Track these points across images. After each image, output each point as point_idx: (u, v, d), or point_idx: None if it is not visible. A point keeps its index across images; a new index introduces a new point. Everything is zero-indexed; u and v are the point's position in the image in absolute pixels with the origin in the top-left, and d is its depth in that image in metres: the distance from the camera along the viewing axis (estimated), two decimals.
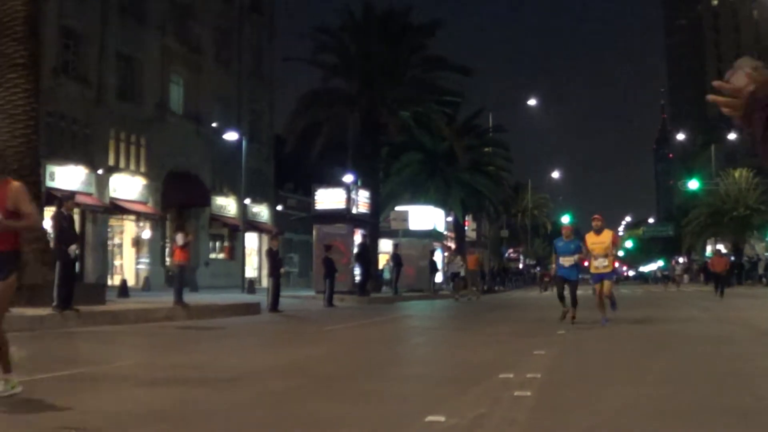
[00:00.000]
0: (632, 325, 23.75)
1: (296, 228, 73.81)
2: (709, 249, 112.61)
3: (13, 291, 9.96)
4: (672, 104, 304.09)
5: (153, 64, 59.87)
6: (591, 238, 22.29)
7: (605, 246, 21.99)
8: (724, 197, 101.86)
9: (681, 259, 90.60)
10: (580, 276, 24.37)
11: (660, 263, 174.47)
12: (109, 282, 49.07)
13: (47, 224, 25.69)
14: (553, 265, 23.71)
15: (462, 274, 48.46)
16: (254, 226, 69.38)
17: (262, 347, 18.03)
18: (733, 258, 79.91)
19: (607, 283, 22.17)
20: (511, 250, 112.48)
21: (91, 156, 53.32)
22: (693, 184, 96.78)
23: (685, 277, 78.36)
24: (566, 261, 22.39)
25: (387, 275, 53.03)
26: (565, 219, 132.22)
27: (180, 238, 27.54)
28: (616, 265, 29.54)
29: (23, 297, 22.48)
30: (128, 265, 58.65)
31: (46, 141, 40.14)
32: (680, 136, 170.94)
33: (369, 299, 41.10)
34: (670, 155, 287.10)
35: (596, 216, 22.49)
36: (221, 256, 70.61)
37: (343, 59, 56.92)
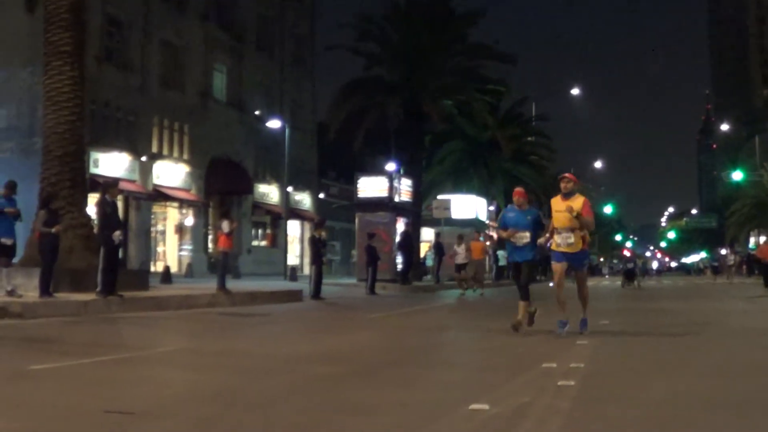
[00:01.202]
0: (678, 316, 23.63)
1: (338, 216, 73.95)
2: (752, 241, 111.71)
3: None
4: (716, 95, 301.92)
5: (196, 51, 60.06)
6: (557, 204, 16.15)
7: (572, 215, 15.70)
8: None
9: (724, 251, 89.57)
10: (537, 256, 18.23)
11: (703, 254, 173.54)
12: (153, 268, 49.34)
13: (91, 211, 25.88)
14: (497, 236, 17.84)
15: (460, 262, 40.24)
16: (296, 213, 69.50)
17: (304, 334, 18.07)
18: None
19: (579, 276, 16.47)
20: None
21: (135, 143, 53.58)
22: (737, 175, 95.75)
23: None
24: (521, 239, 16.33)
25: (429, 263, 52.95)
26: (608, 209, 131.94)
27: (225, 225, 27.58)
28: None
29: (68, 282, 22.71)
30: (171, 252, 58.92)
31: (90, 128, 40.28)
32: (724, 127, 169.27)
33: (411, 288, 41.07)
34: (714, 146, 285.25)
35: (566, 174, 16.54)
36: (263, 243, 70.79)
37: (385, 47, 56.80)
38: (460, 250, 39.91)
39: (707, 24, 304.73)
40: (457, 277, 40.72)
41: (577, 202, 15.94)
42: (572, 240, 15.88)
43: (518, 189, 17.30)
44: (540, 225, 16.77)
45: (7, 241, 20.83)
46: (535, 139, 78.22)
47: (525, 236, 16.39)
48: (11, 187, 21.35)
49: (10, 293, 20.56)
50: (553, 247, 16.14)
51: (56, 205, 22.01)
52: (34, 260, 22.28)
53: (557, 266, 16.06)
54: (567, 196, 16.12)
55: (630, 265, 57.72)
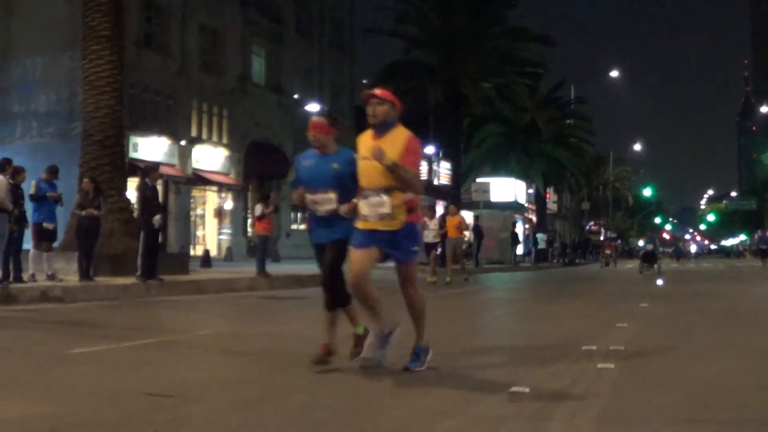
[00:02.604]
0: (720, 299, 23.47)
1: None
2: None
3: None
4: (756, 76, 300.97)
5: (235, 35, 60.08)
6: (364, 145, 9.33)
7: (383, 166, 8.89)
8: None
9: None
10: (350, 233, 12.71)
11: (742, 237, 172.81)
12: (192, 252, 49.52)
13: (131, 195, 26.02)
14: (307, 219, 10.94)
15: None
16: None
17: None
18: None
19: (405, 273, 9.42)
20: (592, 223, 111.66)
21: (174, 127, 53.70)
22: None
23: None
24: (322, 203, 9.53)
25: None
26: (647, 192, 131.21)
27: (258, 209, 27.67)
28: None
29: (108, 266, 22.84)
30: (210, 236, 59.09)
31: (129, 112, 40.42)
32: (764, 109, 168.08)
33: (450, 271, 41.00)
34: (753, 128, 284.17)
35: (376, 91, 9.52)
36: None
37: (424, 30, 56.78)
38: (432, 225, 31.32)
39: (748, 5, 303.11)
40: (429, 261, 31.50)
41: (398, 140, 9.16)
42: (386, 209, 8.97)
43: (316, 118, 9.96)
44: (346, 180, 9.40)
45: (49, 226, 20.99)
46: (574, 122, 78.00)
47: (328, 200, 9.52)
48: (53, 171, 21.52)
49: (51, 277, 20.72)
50: (359, 223, 9.15)
51: (86, 187, 22.04)
52: (73, 244, 22.40)
53: (358, 253, 9.05)
54: (380, 129, 9.37)
55: (649, 247, 50.42)
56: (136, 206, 23.56)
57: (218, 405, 7.40)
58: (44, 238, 21.00)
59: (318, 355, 9.51)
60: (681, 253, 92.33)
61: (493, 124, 66.92)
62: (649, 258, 46.94)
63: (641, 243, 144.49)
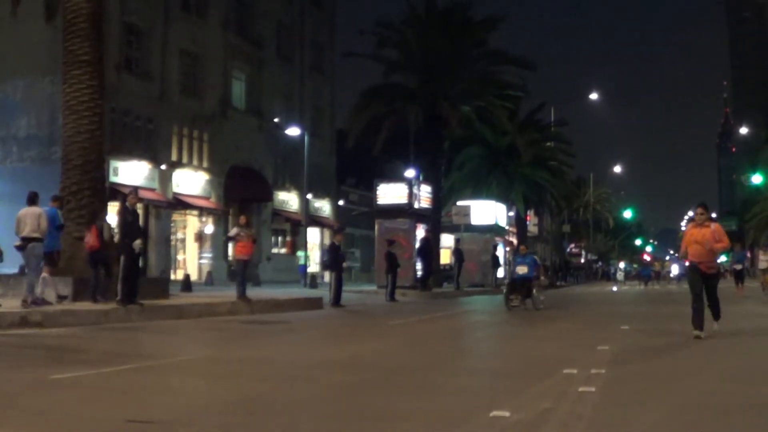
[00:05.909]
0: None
1: (358, 223, 73.94)
2: None
3: None
4: (735, 97, 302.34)
5: (215, 59, 60.20)
6: None
7: None
8: None
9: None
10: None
11: (723, 258, 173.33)
12: (173, 276, 49.43)
13: (112, 219, 25.95)
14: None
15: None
16: (316, 220, 69.52)
17: (325, 341, 18.05)
18: None
19: None
20: (572, 245, 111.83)
21: (155, 151, 53.73)
22: (756, 179, 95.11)
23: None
24: None
25: None
26: (628, 214, 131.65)
27: (233, 231, 27.91)
28: None
29: (88, 291, 22.76)
30: (191, 260, 59.04)
31: (110, 137, 40.47)
32: (743, 130, 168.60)
33: (431, 294, 41.03)
34: (733, 149, 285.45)
35: None
36: (283, 250, 70.84)
37: (404, 54, 56.77)
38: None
39: (726, 26, 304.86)
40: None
41: None
42: None
43: None
44: None
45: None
46: (555, 144, 78.00)
47: None
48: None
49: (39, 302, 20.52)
50: None
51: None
52: (66, 269, 22.38)
53: None
54: None
55: (523, 270, 29.52)
56: (116, 231, 23.48)
57: (199, 431, 7.39)
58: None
59: None
60: (650, 276, 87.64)
61: (474, 146, 66.92)
62: (520, 287, 29.38)
63: (622, 265, 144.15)
